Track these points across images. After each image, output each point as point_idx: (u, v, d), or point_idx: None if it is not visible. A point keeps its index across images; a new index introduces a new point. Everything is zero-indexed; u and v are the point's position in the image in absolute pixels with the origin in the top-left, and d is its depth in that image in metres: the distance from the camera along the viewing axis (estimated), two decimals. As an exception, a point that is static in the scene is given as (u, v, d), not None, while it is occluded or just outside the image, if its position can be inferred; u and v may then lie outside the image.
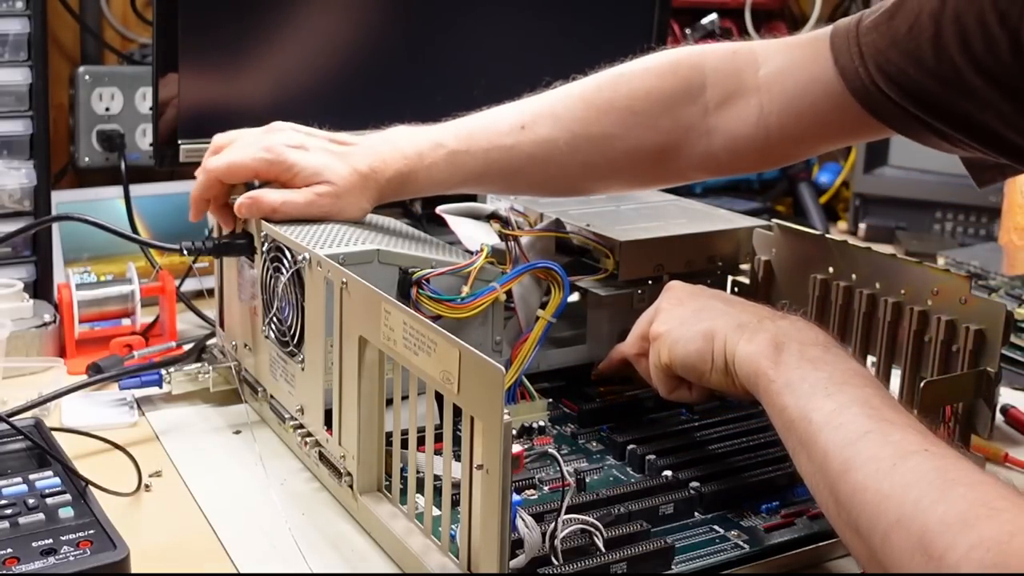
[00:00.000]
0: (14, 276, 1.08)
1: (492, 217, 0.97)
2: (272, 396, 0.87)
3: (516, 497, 0.63)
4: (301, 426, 0.81)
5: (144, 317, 1.08)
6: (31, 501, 0.71)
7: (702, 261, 0.94)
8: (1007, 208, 1.50)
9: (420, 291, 0.80)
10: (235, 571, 0.69)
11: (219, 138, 0.89)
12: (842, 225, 1.73)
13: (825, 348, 0.68)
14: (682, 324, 0.77)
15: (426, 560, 0.65)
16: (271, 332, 0.84)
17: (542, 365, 0.92)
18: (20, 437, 0.79)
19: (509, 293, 0.84)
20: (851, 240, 0.88)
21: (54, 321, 1.06)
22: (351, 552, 0.71)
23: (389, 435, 0.72)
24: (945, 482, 0.55)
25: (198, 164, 0.89)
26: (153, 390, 0.93)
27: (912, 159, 1.64)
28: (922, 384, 0.73)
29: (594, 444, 0.85)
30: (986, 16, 0.73)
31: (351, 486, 0.73)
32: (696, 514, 0.74)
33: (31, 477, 0.75)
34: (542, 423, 0.87)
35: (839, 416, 0.61)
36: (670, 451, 0.81)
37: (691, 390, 0.79)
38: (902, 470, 0.56)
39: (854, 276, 0.86)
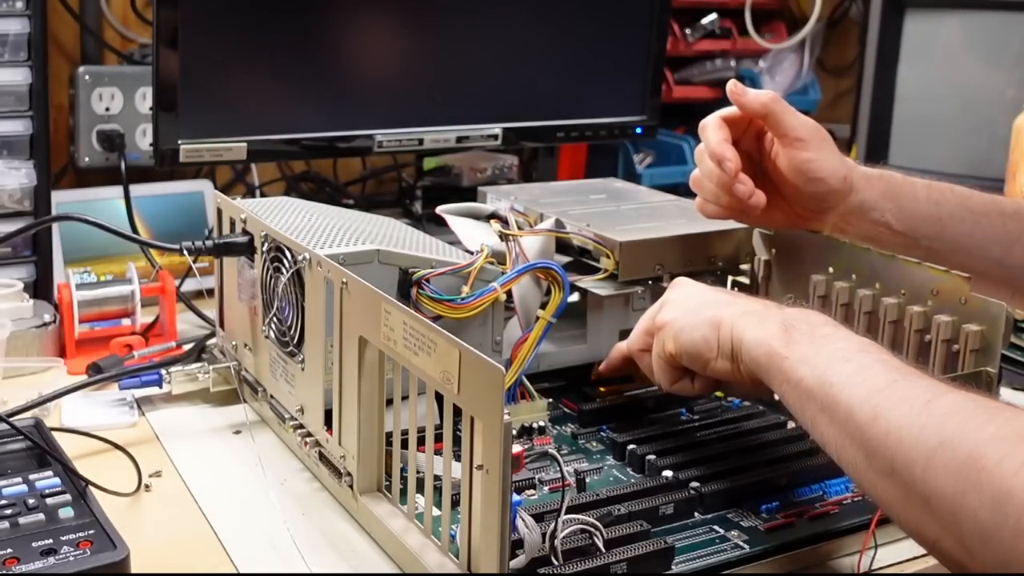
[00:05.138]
0: (14, 276, 1.08)
1: (492, 217, 0.98)
2: (272, 396, 0.87)
3: (516, 497, 0.63)
4: (301, 426, 0.81)
5: (144, 317, 1.08)
6: (31, 501, 0.71)
7: (702, 261, 0.94)
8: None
9: (420, 291, 0.80)
10: (235, 571, 0.69)
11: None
12: (842, 225, 1.73)
13: (834, 326, 0.68)
14: (688, 313, 0.77)
15: (426, 560, 0.65)
16: (271, 332, 0.84)
17: (542, 365, 0.92)
18: (20, 437, 0.79)
19: (509, 293, 0.84)
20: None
21: (54, 321, 1.06)
22: (351, 552, 0.71)
23: (389, 435, 0.72)
24: (987, 409, 0.54)
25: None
26: (153, 390, 0.93)
27: (912, 159, 1.64)
28: (922, 384, 0.73)
29: (594, 444, 0.85)
30: None
31: (351, 486, 0.73)
32: (696, 514, 0.74)
33: (31, 477, 0.75)
34: (542, 423, 0.87)
35: (861, 374, 0.61)
36: (670, 451, 0.81)
37: (693, 382, 0.79)
38: (938, 404, 0.56)
39: (854, 276, 0.86)
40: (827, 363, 0.63)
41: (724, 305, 0.75)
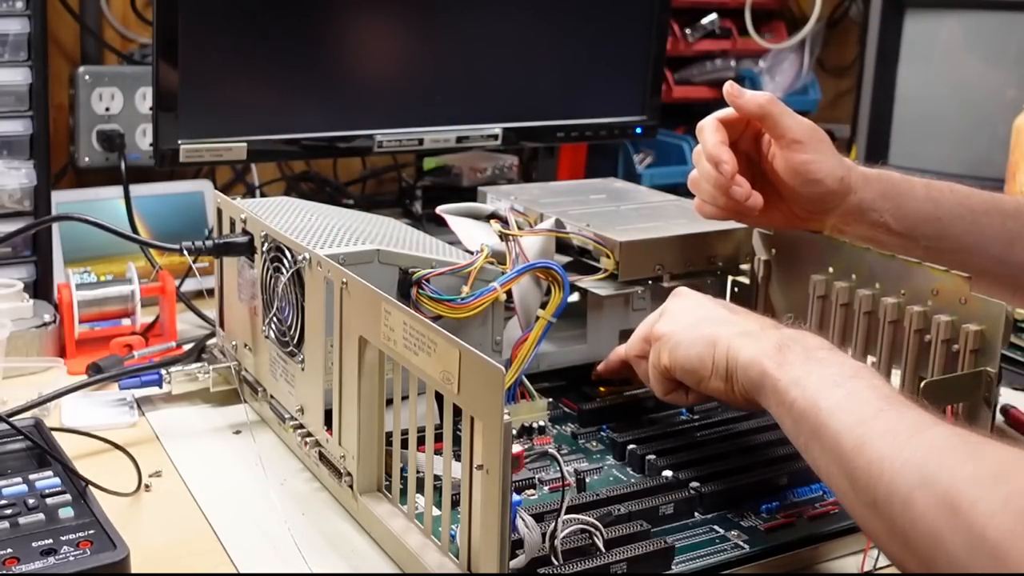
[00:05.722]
0: (14, 276, 1.08)
1: (492, 217, 0.98)
2: (272, 396, 0.87)
3: (516, 497, 0.63)
4: (301, 426, 0.81)
5: (144, 317, 1.08)
6: (31, 501, 0.71)
7: (702, 261, 0.94)
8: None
9: (420, 291, 0.80)
10: (235, 571, 0.69)
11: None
12: (842, 225, 1.73)
13: (830, 350, 0.68)
14: (685, 328, 0.77)
15: (426, 560, 0.65)
16: (271, 332, 0.84)
17: (542, 365, 0.92)
18: (20, 437, 0.79)
19: (509, 293, 0.84)
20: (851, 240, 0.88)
21: (54, 321, 1.06)
22: (351, 552, 0.71)
23: (389, 435, 0.72)
24: (969, 445, 0.54)
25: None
26: (153, 390, 0.93)
27: (912, 159, 1.64)
28: (922, 384, 0.73)
29: (594, 444, 0.85)
30: None
31: (351, 486, 0.74)
32: (696, 514, 0.74)
33: (31, 477, 0.75)
34: (542, 423, 0.87)
35: (849, 401, 0.61)
36: (670, 451, 0.81)
37: (687, 394, 0.79)
38: (921, 438, 0.55)
39: (854, 276, 0.86)
40: (817, 387, 0.63)
41: (722, 323, 0.75)
